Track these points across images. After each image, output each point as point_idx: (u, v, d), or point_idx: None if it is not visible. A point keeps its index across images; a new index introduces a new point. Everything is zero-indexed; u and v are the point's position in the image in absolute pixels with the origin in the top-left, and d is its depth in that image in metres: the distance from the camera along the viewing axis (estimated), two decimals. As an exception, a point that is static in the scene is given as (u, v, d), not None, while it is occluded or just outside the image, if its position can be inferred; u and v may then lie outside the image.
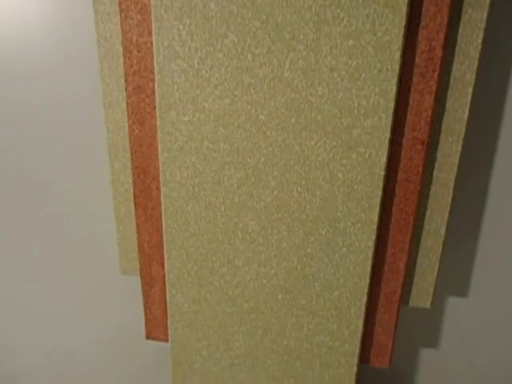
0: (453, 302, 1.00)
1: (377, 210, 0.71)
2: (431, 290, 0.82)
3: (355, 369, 0.82)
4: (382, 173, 0.69)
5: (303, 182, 0.70)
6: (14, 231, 0.96)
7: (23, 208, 0.94)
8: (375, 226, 0.72)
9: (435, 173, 0.74)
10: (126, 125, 0.77)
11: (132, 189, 0.81)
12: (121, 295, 0.99)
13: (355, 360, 0.81)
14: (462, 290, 1.00)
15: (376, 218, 0.71)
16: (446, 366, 1.05)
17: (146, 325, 0.90)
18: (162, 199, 0.75)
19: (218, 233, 0.75)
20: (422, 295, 0.83)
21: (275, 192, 0.71)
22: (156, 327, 0.90)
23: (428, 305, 0.83)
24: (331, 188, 0.70)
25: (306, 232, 0.73)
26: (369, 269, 0.74)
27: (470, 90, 0.68)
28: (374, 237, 0.72)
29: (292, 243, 0.74)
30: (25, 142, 0.88)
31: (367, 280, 0.75)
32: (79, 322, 1.01)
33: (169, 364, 0.88)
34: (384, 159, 0.68)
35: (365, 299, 0.76)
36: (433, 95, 0.67)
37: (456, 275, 0.98)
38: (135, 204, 0.81)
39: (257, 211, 0.73)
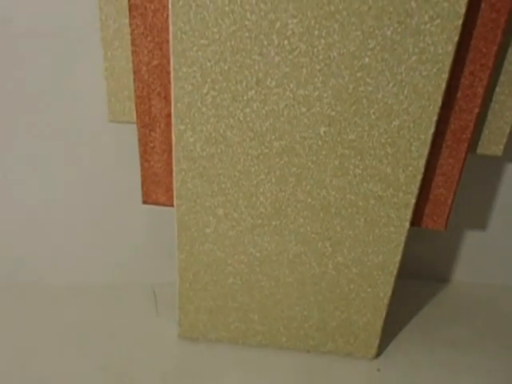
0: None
1: (465, -3, 0.52)
2: (507, 130, 0.66)
3: (407, 225, 0.66)
4: None
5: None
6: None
7: None
8: (460, 22, 0.53)
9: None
10: None
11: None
12: (110, 153, 0.80)
13: (409, 213, 0.65)
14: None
15: (463, 10, 0.53)
16: (495, 246, 0.92)
17: (143, 184, 0.72)
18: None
19: (244, 38, 0.56)
20: (494, 138, 0.66)
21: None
22: (156, 186, 0.72)
23: (500, 150, 0.67)
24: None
25: (364, 32, 0.55)
26: (443, 86, 0.57)
27: None
28: (456, 38, 0.54)
29: (345, 50, 0.56)
30: None
31: (439, 103, 0.58)
32: (62, 189, 0.82)
33: (173, 230, 0.71)
34: None
35: (432, 129, 0.59)
36: None
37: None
38: (130, 8, 0.60)
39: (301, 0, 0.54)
